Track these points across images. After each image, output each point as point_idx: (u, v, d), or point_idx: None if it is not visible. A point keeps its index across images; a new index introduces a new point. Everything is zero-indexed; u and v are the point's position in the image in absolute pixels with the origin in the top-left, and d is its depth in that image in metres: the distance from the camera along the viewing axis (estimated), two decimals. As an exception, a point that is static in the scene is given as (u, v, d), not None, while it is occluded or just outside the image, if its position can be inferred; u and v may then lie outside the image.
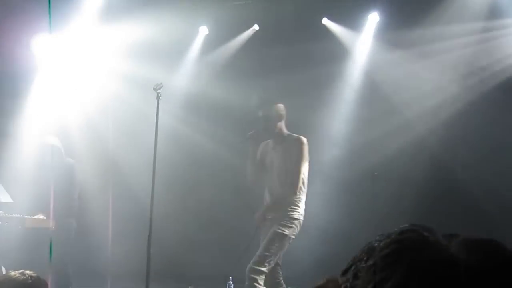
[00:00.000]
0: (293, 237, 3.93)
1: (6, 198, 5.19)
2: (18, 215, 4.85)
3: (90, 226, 5.86)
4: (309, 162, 4.06)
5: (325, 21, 6.01)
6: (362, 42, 6.07)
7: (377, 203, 5.19)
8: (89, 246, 5.93)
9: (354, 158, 5.79)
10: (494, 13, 5.49)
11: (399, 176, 5.70)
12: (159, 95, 3.79)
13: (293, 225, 3.86)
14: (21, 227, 4.69)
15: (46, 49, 5.78)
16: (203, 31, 6.21)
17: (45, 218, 4.79)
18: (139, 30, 5.76)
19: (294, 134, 4.08)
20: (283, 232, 3.81)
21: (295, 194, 3.87)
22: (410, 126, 5.74)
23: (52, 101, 5.56)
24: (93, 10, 5.82)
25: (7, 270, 4.58)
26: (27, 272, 1.89)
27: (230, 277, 4.94)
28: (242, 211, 5.33)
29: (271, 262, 3.79)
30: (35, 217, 4.79)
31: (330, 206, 5.63)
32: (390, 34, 5.84)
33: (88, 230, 5.83)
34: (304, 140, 3.94)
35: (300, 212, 3.92)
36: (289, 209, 3.88)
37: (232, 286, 4.52)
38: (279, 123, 4.02)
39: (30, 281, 1.81)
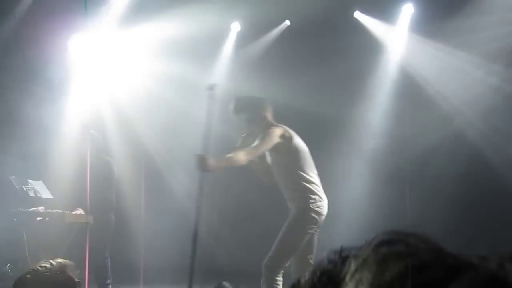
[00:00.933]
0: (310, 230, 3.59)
1: (46, 194, 5.39)
2: (59, 210, 5.02)
3: (126, 221, 6.00)
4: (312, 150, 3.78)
5: (357, 14, 5.95)
6: (396, 34, 5.99)
7: (414, 196, 5.13)
8: (124, 241, 6.07)
9: (392, 151, 5.72)
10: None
11: (437, 170, 5.61)
12: (212, 95, 3.59)
13: (301, 218, 3.56)
14: (61, 222, 4.84)
15: (82, 49, 5.93)
16: (236, 27, 6.24)
17: (83, 213, 4.93)
18: (171, 28, 5.84)
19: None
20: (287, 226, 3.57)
21: (293, 184, 3.59)
22: (447, 119, 5.63)
23: (90, 99, 5.71)
24: (126, 9, 5.94)
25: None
26: (56, 260, 1.92)
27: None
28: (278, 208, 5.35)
29: (284, 260, 3.53)
30: (74, 212, 4.94)
31: (367, 198, 5.59)
32: (425, 26, 5.74)
33: (124, 224, 5.97)
34: (272, 128, 3.57)
35: (309, 201, 3.58)
36: (297, 201, 3.60)
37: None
38: (263, 123, 3.67)
39: (56, 267, 1.86)
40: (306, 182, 3.61)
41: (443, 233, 5.39)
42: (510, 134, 5.43)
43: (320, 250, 3.97)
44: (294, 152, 3.60)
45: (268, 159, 3.69)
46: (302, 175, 3.62)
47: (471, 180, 5.48)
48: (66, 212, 4.91)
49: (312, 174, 3.68)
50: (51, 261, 1.91)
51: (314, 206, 3.61)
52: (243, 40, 6.32)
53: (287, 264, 3.60)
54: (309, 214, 3.59)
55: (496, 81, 5.49)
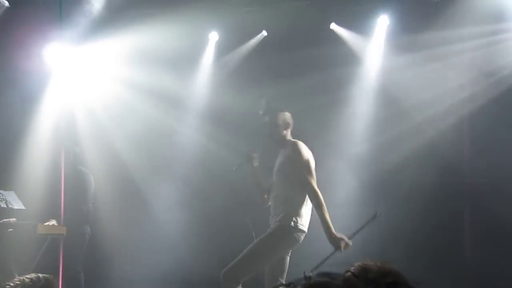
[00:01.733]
0: (286, 250, 3.63)
1: (18, 205, 5.30)
2: (30, 221, 4.94)
3: (102, 234, 5.93)
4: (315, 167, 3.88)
5: (333, 26, 6.04)
6: (371, 46, 6.10)
7: (387, 204, 5.21)
8: (100, 254, 6.00)
9: (366, 161, 5.81)
10: (503, 16, 5.49)
11: (410, 178, 5.71)
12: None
13: (281, 236, 3.55)
14: (33, 233, 4.77)
15: (57, 58, 5.89)
16: (214, 37, 6.28)
17: (56, 224, 4.86)
18: (149, 37, 5.85)
19: (293, 139, 3.93)
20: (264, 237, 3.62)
21: (289, 198, 3.63)
22: (420, 129, 5.74)
23: (64, 109, 5.66)
24: (102, 18, 5.92)
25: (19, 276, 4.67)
26: (40, 275, 1.93)
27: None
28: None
29: (245, 273, 3.48)
30: (47, 223, 4.88)
31: (346, 203, 5.65)
32: (399, 38, 5.87)
33: (101, 238, 5.90)
34: (300, 143, 3.80)
35: (297, 219, 3.60)
36: (283, 217, 3.59)
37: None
38: (284, 131, 3.91)
39: (42, 282, 1.87)
40: (301, 199, 3.65)
41: (415, 240, 5.49)
42: (480, 145, 5.58)
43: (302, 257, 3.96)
44: (308, 168, 3.72)
45: (277, 169, 3.82)
46: (302, 192, 3.67)
47: (442, 188, 5.60)
48: (38, 223, 4.83)
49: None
50: (40, 275, 1.93)
51: (300, 226, 3.59)
52: (221, 50, 6.36)
53: (244, 279, 3.46)
54: (292, 234, 3.56)
55: (467, 92, 5.64)
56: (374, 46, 6.09)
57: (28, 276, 1.91)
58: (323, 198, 3.62)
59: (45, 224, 4.87)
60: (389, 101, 5.90)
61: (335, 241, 3.43)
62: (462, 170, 5.74)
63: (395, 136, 5.73)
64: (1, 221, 4.98)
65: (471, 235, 5.60)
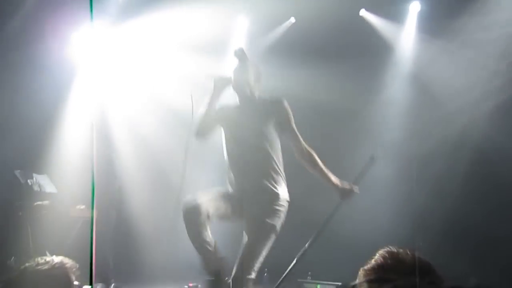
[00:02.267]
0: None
1: (51, 188, 5.46)
2: (62, 204, 5.08)
3: (130, 219, 6.04)
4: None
5: (363, 12, 5.97)
6: (402, 33, 6.01)
7: (419, 192, 5.15)
8: (128, 238, 6.11)
9: (398, 149, 5.75)
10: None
11: (440, 168, 5.63)
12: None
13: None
14: (66, 216, 4.90)
15: (87, 44, 5.98)
16: (243, 22, 6.26)
17: (85, 207, 4.98)
18: (177, 23, 5.87)
19: (271, 96, 3.23)
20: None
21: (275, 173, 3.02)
22: (452, 118, 5.65)
23: (94, 94, 5.76)
24: (131, 4, 5.97)
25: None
26: (55, 257, 1.99)
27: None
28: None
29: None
30: (77, 207, 5.00)
31: (378, 190, 5.62)
32: (431, 24, 5.76)
33: (128, 222, 6.01)
34: (286, 102, 3.13)
35: (284, 196, 3.12)
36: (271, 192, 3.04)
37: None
38: (260, 87, 3.24)
39: (57, 265, 1.90)
40: (283, 175, 3.10)
41: (446, 230, 5.42)
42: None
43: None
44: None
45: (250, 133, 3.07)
46: (281, 167, 3.11)
47: (473, 178, 5.51)
48: (71, 206, 4.97)
49: None
50: (53, 257, 1.96)
51: (285, 203, 3.08)
52: (250, 36, 6.34)
53: None
54: (281, 215, 3.03)
55: (501, 80, 5.51)
56: (405, 33, 5.99)
57: (44, 258, 1.96)
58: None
59: (75, 207, 5.00)
60: (421, 89, 5.81)
61: (343, 192, 3.04)
62: (494, 160, 5.63)
63: (427, 124, 5.65)
64: (35, 204, 5.13)
65: (502, 225, 5.50)
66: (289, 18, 6.19)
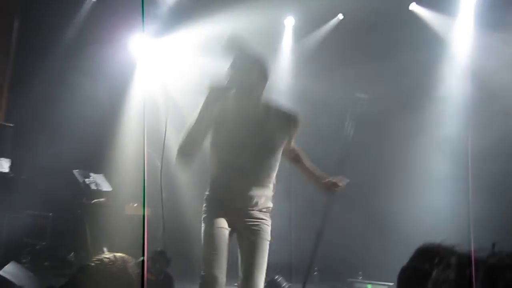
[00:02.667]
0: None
1: (107, 187, 5.69)
2: (118, 202, 5.28)
3: (181, 215, 6.17)
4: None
5: (413, 6, 5.82)
6: (456, 26, 5.80)
7: (475, 190, 4.97)
8: (180, 234, 6.25)
9: (455, 145, 5.56)
10: None
11: (500, 164, 5.40)
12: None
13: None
14: (121, 213, 5.09)
15: (141, 48, 6.19)
16: (290, 22, 6.27)
17: (137, 205, 5.13)
18: (226, 25, 5.96)
19: (283, 108, 2.73)
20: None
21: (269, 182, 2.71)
22: (510, 113, 5.40)
23: (148, 97, 5.95)
24: (181, 8, 6.12)
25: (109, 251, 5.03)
26: (117, 254, 1.98)
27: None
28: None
29: None
30: (131, 204, 5.18)
31: (434, 191, 5.48)
32: (488, 15, 5.52)
33: (181, 219, 6.15)
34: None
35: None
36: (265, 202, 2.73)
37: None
38: (259, 83, 2.65)
39: (119, 261, 1.94)
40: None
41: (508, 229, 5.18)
42: None
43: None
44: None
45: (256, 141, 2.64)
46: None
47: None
48: (126, 204, 5.16)
49: None
50: (115, 254, 2.00)
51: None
52: (298, 35, 6.34)
53: None
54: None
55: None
56: (460, 26, 5.78)
57: (106, 256, 2.00)
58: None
59: (129, 205, 5.18)
60: (479, 83, 5.59)
61: (325, 186, 2.72)
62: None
63: (485, 120, 5.42)
64: (93, 201, 5.37)
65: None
66: (336, 15, 6.13)
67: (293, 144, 2.80)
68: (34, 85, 5.99)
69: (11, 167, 5.73)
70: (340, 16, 6.14)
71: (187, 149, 2.57)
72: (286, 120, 2.69)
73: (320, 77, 5.86)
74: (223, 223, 2.60)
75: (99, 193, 5.55)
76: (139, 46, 6.29)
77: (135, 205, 5.20)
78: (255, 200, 2.63)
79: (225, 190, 2.65)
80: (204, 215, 2.65)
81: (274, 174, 2.71)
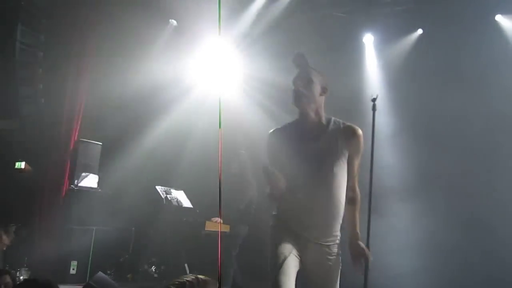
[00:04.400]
0: None
1: (187, 203, 5.91)
2: (199, 219, 5.45)
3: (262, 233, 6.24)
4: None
5: (498, 18, 5.63)
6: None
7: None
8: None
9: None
10: None
11: None
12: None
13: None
14: (202, 230, 5.24)
15: (216, 64, 6.41)
16: (369, 39, 6.24)
17: (221, 221, 5.25)
18: (301, 42, 6.02)
19: (341, 121, 2.75)
20: None
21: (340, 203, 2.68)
22: None
23: (224, 112, 6.11)
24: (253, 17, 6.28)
25: (189, 269, 5.21)
26: (200, 276, 1.98)
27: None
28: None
29: None
30: (213, 220, 5.31)
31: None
32: None
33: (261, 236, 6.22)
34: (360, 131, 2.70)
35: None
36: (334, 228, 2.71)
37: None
38: (322, 104, 2.74)
39: (201, 284, 1.96)
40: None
41: None
42: None
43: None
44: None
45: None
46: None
47: None
48: (206, 221, 5.31)
49: None
50: (197, 276, 2.01)
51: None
52: (378, 50, 6.29)
53: None
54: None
55: None
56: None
57: (187, 279, 2.01)
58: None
59: (211, 221, 5.32)
60: None
61: (355, 249, 2.65)
62: None
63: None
64: (175, 217, 5.59)
65: None
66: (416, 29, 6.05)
67: (357, 185, 2.71)
68: (122, 107, 6.31)
69: (99, 183, 6.10)
70: (420, 31, 6.05)
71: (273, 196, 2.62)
72: (347, 135, 2.65)
73: (402, 91, 5.79)
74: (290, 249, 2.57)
75: (180, 209, 5.77)
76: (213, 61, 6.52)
77: (217, 221, 5.31)
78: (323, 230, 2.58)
79: (291, 216, 2.62)
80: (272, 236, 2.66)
81: (341, 205, 2.62)
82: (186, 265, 5.43)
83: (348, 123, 2.70)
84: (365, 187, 2.88)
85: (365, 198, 2.85)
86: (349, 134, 2.65)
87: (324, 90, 2.71)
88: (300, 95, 2.65)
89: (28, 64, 5.43)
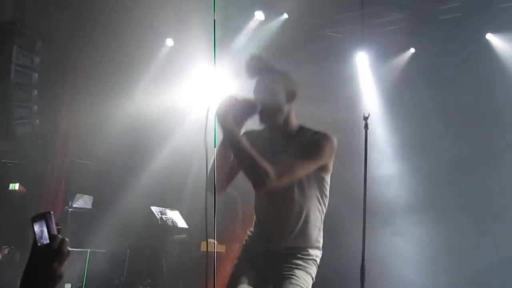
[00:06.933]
0: None
1: (182, 224, 5.94)
2: (193, 239, 5.49)
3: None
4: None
5: (489, 36, 5.76)
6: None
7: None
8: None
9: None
10: None
11: None
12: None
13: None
14: (197, 250, 5.28)
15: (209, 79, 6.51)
16: (361, 57, 6.36)
17: (215, 242, 5.29)
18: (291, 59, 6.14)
19: (312, 130, 2.43)
20: None
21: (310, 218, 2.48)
22: None
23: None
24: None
25: (185, 289, 5.23)
26: None
27: None
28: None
29: None
30: (209, 241, 5.34)
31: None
32: None
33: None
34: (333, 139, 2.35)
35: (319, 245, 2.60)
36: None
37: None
38: (290, 109, 2.41)
39: None
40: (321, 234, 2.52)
41: None
42: None
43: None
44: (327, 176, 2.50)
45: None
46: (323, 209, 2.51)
47: None
48: (201, 241, 5.34)
49: None
50: None
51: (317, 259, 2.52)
52: (371, 68, 6.41)
53: None
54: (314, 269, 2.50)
55: None
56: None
57: None
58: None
59: (207, 242, 5.34)
60: None
61: None
62: None
63: None
64: (170, 238, 5.61)
65: None
66: (409, 48, 6.18)
67: (304, 169, 2.29)
68: (116, 128, 6.38)
69: (93, 204, 6.13)
70: (412, 50, 6.18)
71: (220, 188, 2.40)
72: (314, 143, 2.31)
73: (394, 112, 5.88)
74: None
75: (175, 229, 5.80)
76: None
77: (211, 241, 5.35)
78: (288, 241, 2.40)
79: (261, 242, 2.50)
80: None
81: (320, 221, 2.44)
82: (181, 286, 5.44)
83: (319, 131, 2.37)
84: (359, 202, 2.96)
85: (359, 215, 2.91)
86: (318, 142, 2.31)
87: (291, 95, 2.37)
88: (263, 113, 2.31)
89: (23, 86, 5.52)
